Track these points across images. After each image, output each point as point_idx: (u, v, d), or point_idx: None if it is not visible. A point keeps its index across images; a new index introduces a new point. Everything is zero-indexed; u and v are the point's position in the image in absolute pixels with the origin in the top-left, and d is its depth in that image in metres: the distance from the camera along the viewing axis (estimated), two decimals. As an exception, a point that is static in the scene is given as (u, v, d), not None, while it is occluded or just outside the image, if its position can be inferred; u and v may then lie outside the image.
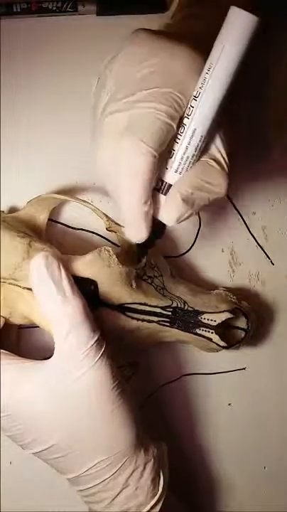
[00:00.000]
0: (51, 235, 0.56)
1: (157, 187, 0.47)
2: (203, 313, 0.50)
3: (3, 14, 0.57)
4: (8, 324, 0.50)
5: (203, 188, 0.46)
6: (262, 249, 0.60)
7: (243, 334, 0.52)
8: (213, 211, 0.60)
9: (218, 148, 0.47)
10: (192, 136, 0.45)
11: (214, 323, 0.50)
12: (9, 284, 0.47)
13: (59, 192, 0.55)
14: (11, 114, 0.57)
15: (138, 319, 0.49)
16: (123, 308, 0.48)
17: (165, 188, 0.47)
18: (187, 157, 0.46)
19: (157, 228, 0.48)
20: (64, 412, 0.46)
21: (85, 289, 0.47)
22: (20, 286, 0.48)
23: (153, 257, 0.53)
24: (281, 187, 0.61)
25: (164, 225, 0.48)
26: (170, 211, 0.46)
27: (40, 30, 0.58)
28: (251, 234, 0.60)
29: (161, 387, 0.58)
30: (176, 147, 0.46)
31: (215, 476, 0.60)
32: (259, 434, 0.60)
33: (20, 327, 0.53)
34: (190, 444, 0.59)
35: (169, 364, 0.58)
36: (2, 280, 0.48)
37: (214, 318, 0.50)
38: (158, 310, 0.49)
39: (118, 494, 0.48)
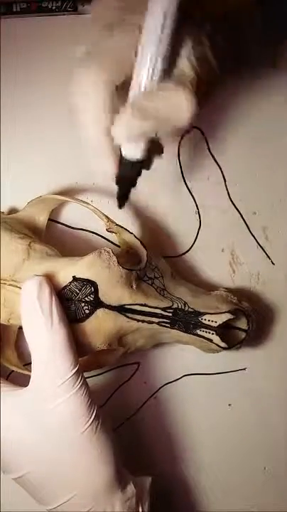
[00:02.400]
0: (51, 236, 0.56)
1: None
2: (204, 314, 0.50)
3: (3, 14, 0.57)
4: (7, 325, 0.50)
5: (160, 105, 0.42)
6: (262, 249, 0.60)
7: (243, 335, 0.52)
8: (213, 211, 0.59)
9: (183, 70, 0.43)
10: (144, 47, 0.42)
11: (215, 324, 0.50)
12: (9, 285, 0.47)
13: (59, 193, 0.55)
14: (10, 114, 0.57)
15: (138, 320, 0.49)
16: (123, 310, 0.48)
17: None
18: (145, 74, 0.43)
19: (130, 166, 0.46)
20: (37, 442, 0.45)
21: (85, 291, 0.47)
22: (20, 288, 0.47)
23: (153, 257, 0.52)
24: (281, 187, 0.61)
25: (141, 161, 0.46)
26: (120, 125, 0.43)
27: (40, 30, 0.58)
28: (251, 234, 0.60)
29: (162, 388, 0.58)
30: (136, 67, 0.43)
31: (214, 479, 0.60)
32: (260, 435, 0.60)
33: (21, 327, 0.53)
34: (190, 445, 0.59)
35: (169, 364, 0.58)
36: (2, 282, 0.48)
37: (215, 319, 0.50)
38: (159, 311, 0.49)
39: None
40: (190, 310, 0.50)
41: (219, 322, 0.50)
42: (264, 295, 0.60)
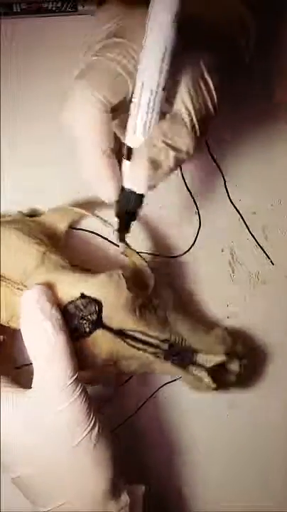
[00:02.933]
0: (67, 243, 0.55)
1: (123, 154, 0.45)
2: (199, 352, 0.50)
3: (3, 14, 0.57)
4: (4, 326, 0.50)
5: (169, 146, 0.43)
6: (262, 249, 0.60)
7: (233, 377, 0.52)
8: (213, 211, 0.59)
9: (184, 103, 0.44)
10: (142, 90, 0.43)
11: (208, 365, 0.50)
12: (17, 288, 0.47)
13: (83, 204, 0.55)
14: (10, 114, 0.57)
15: (134, 347, 0.49)
16: (122, 334, 0.48)
17: (129, 153, 0.45)
18: (143, 116, 0.43)
19: (131, 197, 0.46)
20: (35, 446, 0.45)
21: (89, 310, 0.47)
22: None
23: (159, 285, 0.52)
24: (281, 187, 0.61)
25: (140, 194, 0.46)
26: (136, 176, 0.44)
27: (40, 30, 0.58)
28: (251, 234, 0.60)
29: (161, 388, 0.58)
30: (132, 107, 0.44)
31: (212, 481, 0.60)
32: (260, 436, 0.60)
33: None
34: (188, 445, 0.59)
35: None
36: (10, 283, 0.48)
37: (209, 360, 0.50)
38: (156, 342, 0.49)
39: None
40: (186, 346, 0.50)
41: (213, 363, 0.50)
42: (264, 295, 0.60)
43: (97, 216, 0.54)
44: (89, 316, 0.47)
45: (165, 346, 0.49)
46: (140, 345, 0.49)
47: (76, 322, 0.47)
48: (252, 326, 0.60)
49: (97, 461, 0.46)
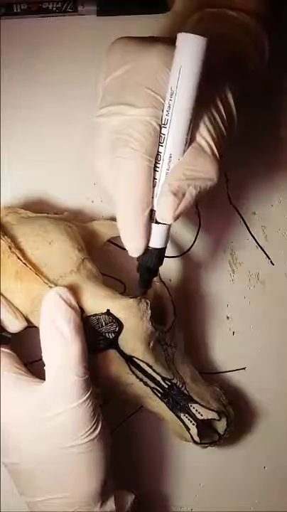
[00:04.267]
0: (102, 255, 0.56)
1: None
2: (195, 402, 0.50)
3: (3, 14, 0.57)
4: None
5: (193, 177, 0.45)
6: (262, 249, 0.60)
7: (216, 437, 0.52)
8: (213, 211, 0.60)
9: (203, 136, 0.46)
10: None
11: (200, 417, 0.50)
12: (48, 286, 0.47)
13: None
14: (11, 115, 0.57)
15: (137, 377, 0.49)
16: (130, 361, 0.48)
17: (156, 216, 0.46)
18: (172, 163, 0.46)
19: (153, 255, 0.47)
20: (35, 440, 0.46)
21: (109, 328, 0.47)
22: None
23: (177, 325, 0.53)
24: (281, 187, 0.61)
25: (161, 250, 0.48)
26: (164, 207, 0.45)
27: (40, 31, 0.58)
28: (251, 234, 0.60)
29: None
30: (157, 175, 0.46)
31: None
32: (259, 437, 0.60)
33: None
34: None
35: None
36: (42, 279, 0.47)
37: (202, 413, 0.50)
38: (159, 378, 0.49)
39: None
40: (184, 392, 0.50)
41: (205, 417, 0.50)
42: (264, 295, 0.60)
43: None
44: (107, 334, 0.47)
45: (166, 385, 0.49)
46: (143, 377, 0.49)
47: (93, 335, 0.47)
48: (252, 326, 0.60)
49: (93, 461, 0.46)
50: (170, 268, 0.58)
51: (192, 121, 0.44)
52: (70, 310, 0.46)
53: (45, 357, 0.46)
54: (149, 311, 0.48)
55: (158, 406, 0.50)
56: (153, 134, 0.44)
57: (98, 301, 0.47)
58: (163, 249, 0.48)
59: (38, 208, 0.56)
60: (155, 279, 0.51)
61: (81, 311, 0.47)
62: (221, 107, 0.46)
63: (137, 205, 0.45)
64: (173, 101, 0.43)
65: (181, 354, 0.53)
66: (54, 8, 0.58)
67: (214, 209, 0.60)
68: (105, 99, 0.46)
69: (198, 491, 0.56)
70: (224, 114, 0.46)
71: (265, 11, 0.52)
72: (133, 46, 0.46)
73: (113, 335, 0.47)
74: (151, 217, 0.46)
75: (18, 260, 0.48)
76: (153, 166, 0.45)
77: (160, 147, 0.45)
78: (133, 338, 0.48)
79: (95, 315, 0.47)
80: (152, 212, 0.46)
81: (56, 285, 0.47)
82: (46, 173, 0.58)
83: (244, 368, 0.59)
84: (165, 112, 0.44)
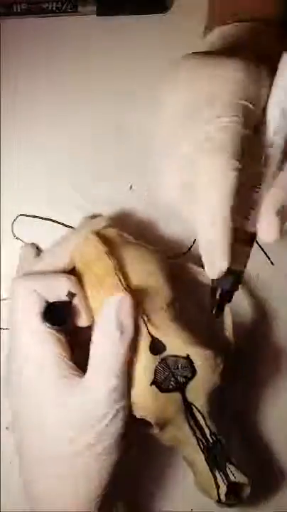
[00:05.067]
0: None
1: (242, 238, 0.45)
2: (232, 464, 0.50)
3: (3, 14, 0.57)
4: None
5: None
6: (262, 249, 0.60)
7: (236, 503, 0.51)
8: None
9: None
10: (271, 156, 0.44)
11: (232, 479, 0.50)
12: (141, 318, 0.48)
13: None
14: (11, 115, 0.57)
15: (189, 425, 0.49)
16: (189, 409, 0.49)
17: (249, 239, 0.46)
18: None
19: (230, 279, 0.46)
20: (63, 435, 0.46)
21: (184, 372, 0.48)
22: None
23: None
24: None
25: (241, 273, 0.47)
26: (268, 228, 0.44)
27: (40, 30, 0.58)
28: (251, 234, 0.60)
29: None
30: (256, 196, 0.45)
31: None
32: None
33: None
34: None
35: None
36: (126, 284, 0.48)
37: (236, 476, 0.49)
38: (207, 431, 0.49)
39: None
40: (225, 451, 0.50)
41: (237, 480, 0.50)
42: (264, 295, 0.60)
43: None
44: (179, 377, 0.48)
45: (211, 440, 0.50)
46: (194, 426, 0.49)
47: (166, 375, 0.48)
48: (252, 327, 0.60)
49: (108, 465, 0.46)
50: (170, 268, 0.58)
51: None
52: (128, 320, 0.46)
53: (92, 357, 0.46)
54: (222, 366, 0.49)
55: (196, 457, 0.50)
56: (246, 147, 0.43)
57: (181, 343, 0.48)
58: (241, 272, 0.47)
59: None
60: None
61: (163, 348, 0.47)
62: None
63: (228, 219, 0.43)
64: (285, 123, 0.43)
65: (230, 413, 0.54)
66: (54, 8, 0.58)
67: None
68: (189, 115, 0.44)
69: (198, 492, 0.56)
70: None
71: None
72: (209, 60, 0.45)
73: (184, 379, 0.48)
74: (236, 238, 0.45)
75: (119, 283, 0.48)
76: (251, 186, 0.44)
77: (263, 169, 0.44)
78: (201, 389, 0.48)
79: (175, 356, 0.48)
80: (237, 232, 0.45)
81: (148, 317, 0.48)
82: (46, 174, 0.58)
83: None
84: (272, 133, 0.44)
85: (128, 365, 0.46)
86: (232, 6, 0.54)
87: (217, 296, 0.47)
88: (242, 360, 0.55)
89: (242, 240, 0.45)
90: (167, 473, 0.57)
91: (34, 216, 0.56)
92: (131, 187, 0.58)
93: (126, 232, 0.54)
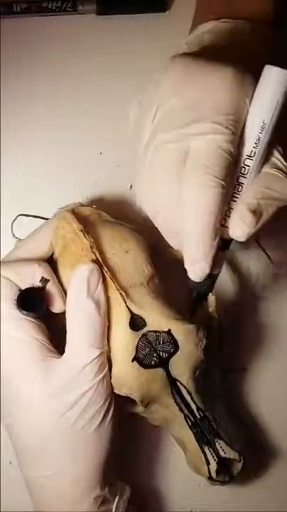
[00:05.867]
0: None
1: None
2: (221, 438, 0.50)
3: (3, 14, 0.57)
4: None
5: (269, 196, 0.45)
6: (262, 249, 0.60)
7: (228, 478, 0.51)
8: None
9: (278, 158, 0.46)
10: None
11: (223, 455, 0.50)
12: (119, 293, 0.48)
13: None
14: (11, 115, 0.57)
15: (175, 401, 0.49)
16: (174, 384, 0.49)
17: (223, 244, 0.46)
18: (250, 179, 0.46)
19: (209, 281, 0.48)
20: (54, 414, 0.46)
21: (166, 347, 0.48)
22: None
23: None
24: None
25: (217, 275, 0.48)
26: (240, 225, 0.45)
27: (40, 30, 0.58)
28: (252, 234, 0.60)
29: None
30: (234, 205, 0.46)
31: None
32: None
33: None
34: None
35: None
36: (117, 286, 0.48)
37: (225, 451, 0.50)
38: (194, 407, 0.49)
39: None
40: (213, 426, 0.50)
41: (227, 456, 0.50)
42: (264, 295, 0.60)
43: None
44: (161, 353, 0.48)
45: (198, 416, 0.50)
46: (180, 402, 0.49)
47: (147, 351, 0.48)
48: (252, 327, 0.60)
49: (103, 440, 0.47)
50: (170, 268, 0.58)
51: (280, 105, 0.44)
52: (95, 286, 0.47)
53: (68, 328, 0.47)
54: (205, 341, 0.49)
55: (184, 434, 0.50)
56: (228, 159, 0.43)
57: (162, 318, 0.48)
58: (217, 275, 0.48)
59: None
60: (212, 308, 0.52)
61: (143, 323, 0.48)
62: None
63: (212, 231, 0.44)
64: (264, 134, 0.44)
65: (219, 389, 0.53)
66: (54, 8, 0.58)
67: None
68: (170, 121, 0.44)
69: (198, 492, 0.56)
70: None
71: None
72: (196, 65, 0.45)
73: (167, 355, 0.48)
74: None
75: (96, 261, 0.48)
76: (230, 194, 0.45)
77: (241, 178, 0.45)
78: (184, 363, 0.48)
79: (156, 331, 0.48)
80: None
81: (126, 293, 0.48)
82: (46, 174, 0.58)
83: (243, 368, 0.59)
84: (252, 144, 0.44)
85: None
86: (220, 2, 0.54)
87: (193, 298, 0.49)
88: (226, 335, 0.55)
89: (219, 246, 0.46)
90: (165, 450, 0.57)
91: (34, 216, 0.56)
92: (131, 187, 0.58)
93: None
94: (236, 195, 0.45)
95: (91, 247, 0.48)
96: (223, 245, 0.47)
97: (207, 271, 0.45)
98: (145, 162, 0.45)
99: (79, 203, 0.53)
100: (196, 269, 0.46)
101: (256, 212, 0.45)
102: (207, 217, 0.44)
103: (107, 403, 0.47)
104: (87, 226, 0.50)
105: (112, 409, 0.47)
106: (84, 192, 0.58)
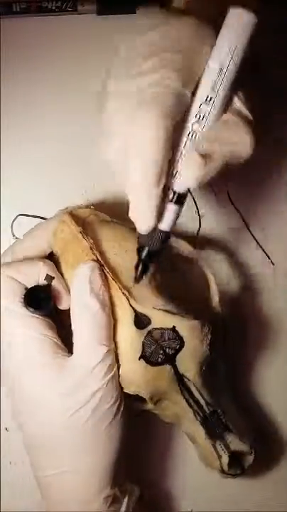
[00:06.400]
0: None
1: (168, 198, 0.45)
2: (231, 432, 0.50)
3: (3, 14, 0.57)
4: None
5: (223, 141, 0.43)
6: (262, 249, 0.60)
7: (239, 471, 0.52)
8: (213, 211, 0.60)
9: (237, 106, 0.44)
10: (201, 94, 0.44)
11: (233, 448, 0.50)
12: (122, 293, 0.48)
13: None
14: (11, 114, 0.57)
15: (184, 397, 0.49)
16: (181, 380, 0.49)
17: (175, 197, 0.45)
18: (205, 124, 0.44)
19: (158, 237, 0.46)
20: (66, 412, 0.46)
21: (171, 344, 0.48)
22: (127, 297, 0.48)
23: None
24: (281, 187, 0.61)
25: (167, 234, 0.46)
26: (189, 169, 0.43)
27: (40, 30, 0.58)
28: (251, 234, 0.60)
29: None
30: (185, 151, 0.44)
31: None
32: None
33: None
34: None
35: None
36: (119, 286, 0.48)
37: (236, 444, 0.50)
38: (203, 402, 0.50)
39: None
40: (223, 420, 0.50)
41: (237, 449, 0.50)
42: (264, 295, 0.60)
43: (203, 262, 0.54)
44: (167, 349, 0.48)
45: (207, 411, 0.50)
46: (189, 398, 0.49)
47: (153, 348, 0.48)
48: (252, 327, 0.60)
49: (113, 438, 0.47)
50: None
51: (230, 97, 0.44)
52: (98, 284, 0.47)
53: (74, 330, 0.47)
54: (210, 336, 0.49)
55: (195, 429, 0.50)
56: (178, 100, 0.42)
57: (165, 315, 0.48)
58: (168, 234, 0.46)
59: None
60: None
61: (148, 321, 0.48)
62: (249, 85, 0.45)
63: (155, 176, 0.42)
64: (221, 80, 0.42)
65: (226, 383, 0.53)
66: (54, 8, 0.58)
67: (214, 209, 0.60)
68: (129, 67, 0.44)
69: (198, 492, 0.57)
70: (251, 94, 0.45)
71: None
72: (164, 16, 0.44)
73: (173, 351, 0.48)
74: (165, 196, 0.44)
75: (97, 261, 0.48)
76: (172, 133, 0.42)
77: (196, 124, 0.43)
78: (190, 359, 0.48)
79: (161, 328, 0.48)
80: (167, 190, 0.44)
81: (129, 292, 0.48)
82: (46, 173, 0.57)
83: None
84: (209, 90, 0.43)
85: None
86: None
87: (143, 256, 0.47)
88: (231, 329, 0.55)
89: (170, 199, 0.45)
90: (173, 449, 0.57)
91: (34, 216, 0.56)
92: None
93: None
94: (190, 142, 0.44)
95: (91, 248, 0.49)
96: (177, 199, 0.45)
97: (151, 223, 0.44)
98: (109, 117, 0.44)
99: (77, 206, 0.53)
100: (139, 219, 0.44)
101: (206, 156, 0.43)
102: (149, 161, 0.42)
103: (117, 402, 0.47)
104: (86, 228, 0.50)
105: (122, 407, 0.47)
106: (84, 192, 0.58)
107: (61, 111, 0.58)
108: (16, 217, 0.58)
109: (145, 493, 0.52)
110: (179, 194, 0.45)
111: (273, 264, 0.61)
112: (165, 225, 0.46)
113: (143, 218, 0.44)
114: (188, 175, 0.43)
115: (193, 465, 0.53)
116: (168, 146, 0.42)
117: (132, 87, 0.43)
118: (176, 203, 0.45)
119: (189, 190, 0.45)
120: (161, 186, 0.43)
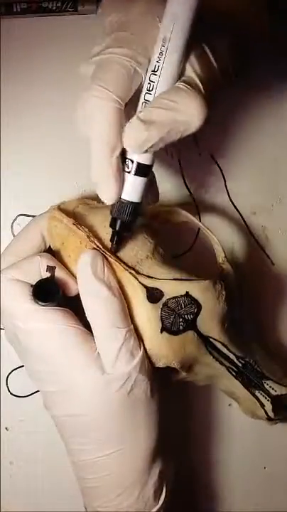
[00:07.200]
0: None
1: (126, 169, 0.45)
2: (268, 378, 0.50)
3: (3, 14, 0.57)
4: None
5: (166, 107, 0.43)
6: (262, 249, 0.60)
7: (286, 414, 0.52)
8: (213, 211, 0.60)
9: (188, 75, 0.44)
10: (151, 63, 0.44)
11: (274, 393, 0.50)
12: (129, 272, 0.47)
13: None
14: (11, 114, 0.57)
15: (213, 357, 0.49)
16: (207, 341, 0.49)
17: (135, 168, 0.45)
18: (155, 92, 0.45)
19: (128, 208, 0.46)
20: (102, 393, 0.46)
21: (189, 310, 0.48)
22: (136, 277, 0.48)
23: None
24: (281, 187, 0.61)
25: (137, 205, 0.46)
26: (130, 134, 0.44)
27: (40, 30, 0.58)
28: (251, 234, 0.60)
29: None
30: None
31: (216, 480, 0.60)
32: (259, 434, 0.60)
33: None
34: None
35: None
36: (124, 266, 0.48)
37: (276, 389, 0.50)
38: (233, 357, 0.50)
39: (118, 495, 0.48)
40: (257, 369, 0.50)
41: (279, 393, 0.50)
42: (264, 295, 0.60)
43: (204, 227, 0.54)
44: (186, 316, 0.47)
45: (240, 364, 0.50)
46: (219, 356, 0.49)
47: (173, 318, 0.47)
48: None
49: (149, 414, 0.47)
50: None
51: (181, 68, 0.44)
52: (101, 269, 0.47)
53: (90, 318, 0.47)
54: (224, 292, 0.49)
55: (232, 385, 0.50)
56: (127, 75, 0.43)
57: (176, 284, 0.48)
58: (138, 204, 0.47)
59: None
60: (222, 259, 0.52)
61: (161, 294, 0.47)
62: (209, 52, 0.46)
63: (107, 147, 0.43)
64: (166, 48, 0.43)
65: (250, 331, 0.53)
66: (54, 8, 0.58)
67: (214, 209, 0.60)
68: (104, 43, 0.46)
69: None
70: (212, 61, 0.46)
71: None
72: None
73: (192, 316, 0.47)
74: (130, 170, 0.45)
75: (97, 248, 0.48)
76: (122, 106, 0.44)
77: (147, 95, 0.44)
78: (210, 319, 0.48)
79: (175, 297, 0.47)
80: (126, 160, 0.45)
81: (135, 270, 0.48)
82: (46, 173, 0.57)
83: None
84: (155, 59, 0.44)
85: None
86: None
87: (117, 228, 0.47)
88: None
89: (129, 169, 0.45)
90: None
91: (34, 216, 0.56)
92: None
93: None
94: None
95: (89, 237, 0.48)
96: (137, 170, 0.45)
97: (112, 193, 0.45)
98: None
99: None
100: (100, 189, 0.45)
101: (148, 121, 0.43)
102: (100, 134, 0.43)
103: (150, 379, 0.47)
104: (77, 218, 0.50)
105: (155, 383, 0.47)
106: (84, 191, 0.58)
107: (61, 111, 0.58)
108: (16, 217, 0.58)
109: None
110: (139, 164, 0.45)
111: (273, 264, 0.61)
112: (128, 196, 0.46)
113: (102, 188, 0.45)
114: (129, 138, 0.44)
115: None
116: (119, 117, 0.43)
117: (91, 67, 0.45)
118: (138, 174, 0.45)
119: (152, 162, 0.46)
120: (115, 156, 0.44)
